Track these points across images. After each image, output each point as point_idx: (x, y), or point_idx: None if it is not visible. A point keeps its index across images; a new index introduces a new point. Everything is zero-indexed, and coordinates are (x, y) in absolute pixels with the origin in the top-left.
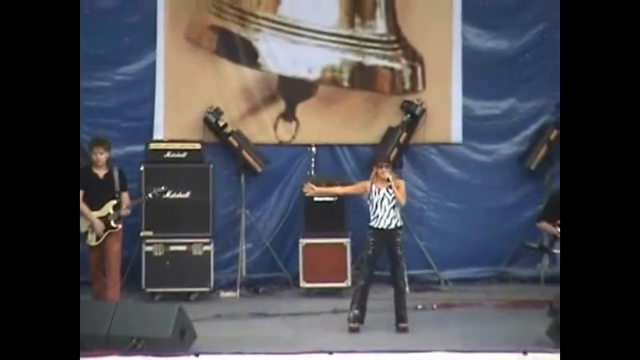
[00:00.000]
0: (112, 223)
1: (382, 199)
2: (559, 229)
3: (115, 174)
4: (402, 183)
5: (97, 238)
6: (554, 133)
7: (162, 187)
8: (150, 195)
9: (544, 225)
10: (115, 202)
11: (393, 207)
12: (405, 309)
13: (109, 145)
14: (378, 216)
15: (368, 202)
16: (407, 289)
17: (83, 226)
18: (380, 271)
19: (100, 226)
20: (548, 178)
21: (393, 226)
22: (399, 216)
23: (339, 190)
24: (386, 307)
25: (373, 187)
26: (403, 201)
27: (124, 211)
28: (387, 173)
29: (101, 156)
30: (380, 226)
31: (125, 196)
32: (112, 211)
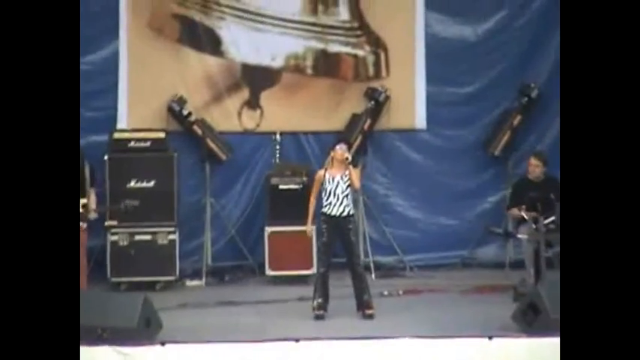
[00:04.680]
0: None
1: (336, 186)
2: (524, 214)
3: (86, 170)
4: (354, 169)
5: None
6: (517, 119)
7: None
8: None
9: (514, 212)
10: (84, 200)
11: (347, 195)
12: (368, 294)
13: None
14: (330, 203)
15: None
16: (373, 275)
17: None
18: (338, 258)
19: None
20: (512, 163)
21: (345, 213)
22: (351, 204)
23: (312, 200)
24: (352, 293)
25: (327, 175)
26: (358, 184)
27: (92, 215)
28: (346, 152)
29: None
30: (332, 213)
31: (92, 194)
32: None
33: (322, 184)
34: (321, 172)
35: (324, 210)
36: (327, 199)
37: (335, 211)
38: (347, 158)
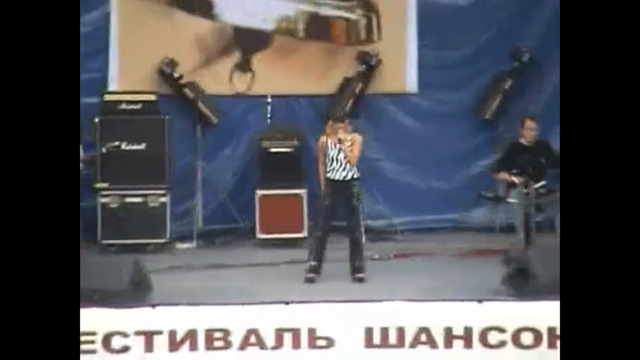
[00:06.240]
0: None
1: (338, 152)
2: (514, 178)
3: None
4: (357, 139)
5: None
6: (509, 83)
7: (116, 142)
8: (103, 150)
9: (501, 175)
10: None
11: (349, 160)
12: (361, 259)
13: None
14: (334, 168)
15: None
16: (363, 239)
17: None
18: (337, 221)
19: None
20: (503, 127)
21: (349, 177)
22: (355, 168)
23: (319, 167)
24: (343, 257)
25: (329, 141)
26: (354, 161)
27: None
28: (342, 133)
29: None
30: (336, 178)
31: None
32: None
33: (324, 150)
34: (323, 139)
35: (328, 175)
36: (330, 165)
37: (338, 176)
38: (339, 140)
